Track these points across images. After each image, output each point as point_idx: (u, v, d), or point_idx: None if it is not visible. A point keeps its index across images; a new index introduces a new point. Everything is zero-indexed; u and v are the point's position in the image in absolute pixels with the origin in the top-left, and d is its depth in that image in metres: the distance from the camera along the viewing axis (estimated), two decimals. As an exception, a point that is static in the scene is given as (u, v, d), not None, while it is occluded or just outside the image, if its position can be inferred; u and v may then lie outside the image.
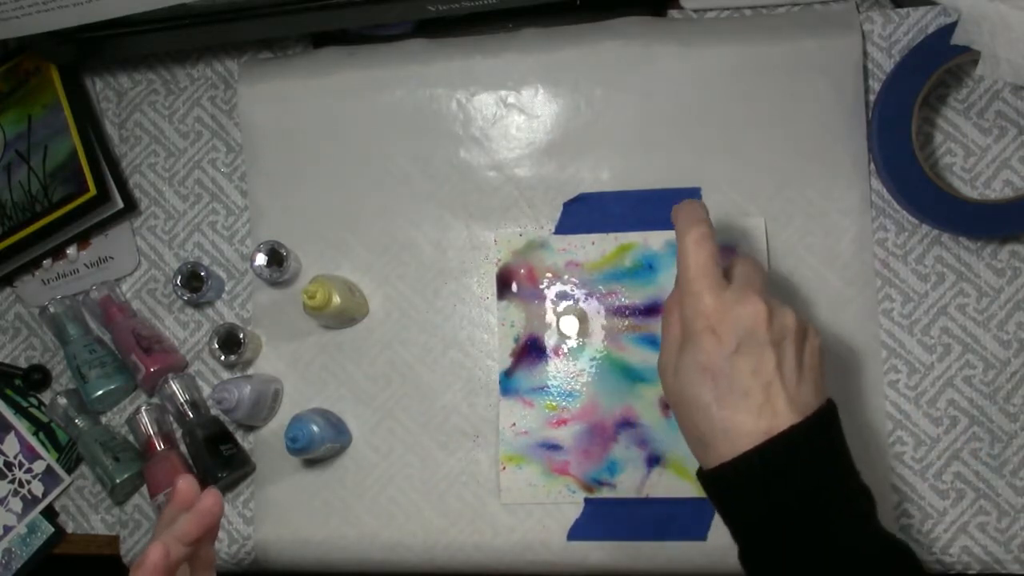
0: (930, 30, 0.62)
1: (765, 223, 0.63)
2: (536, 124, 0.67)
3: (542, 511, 0.64)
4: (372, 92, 0.68)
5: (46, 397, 0.72)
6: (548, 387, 0.64)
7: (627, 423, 0.63)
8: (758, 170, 0.64)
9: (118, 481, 0.66)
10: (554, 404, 0.64)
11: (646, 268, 0.64)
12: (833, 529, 0.44)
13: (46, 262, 0.72)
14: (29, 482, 0.71)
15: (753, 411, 0.45)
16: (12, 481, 0.71)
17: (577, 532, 0.63)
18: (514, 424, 0.64)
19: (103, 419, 0.70)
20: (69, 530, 0.71)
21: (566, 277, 0.65)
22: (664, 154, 0.65)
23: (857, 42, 0.63)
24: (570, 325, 0.65)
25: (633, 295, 0.64)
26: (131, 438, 0.69)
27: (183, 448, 0.68)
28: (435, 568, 0.65)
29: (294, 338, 0.68)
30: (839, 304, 0.62)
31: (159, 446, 0.66)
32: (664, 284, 0.64)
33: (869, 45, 0.64)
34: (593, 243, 0.65)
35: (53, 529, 0.70)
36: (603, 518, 0.63)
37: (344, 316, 0.65)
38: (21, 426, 0.72)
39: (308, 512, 0.66)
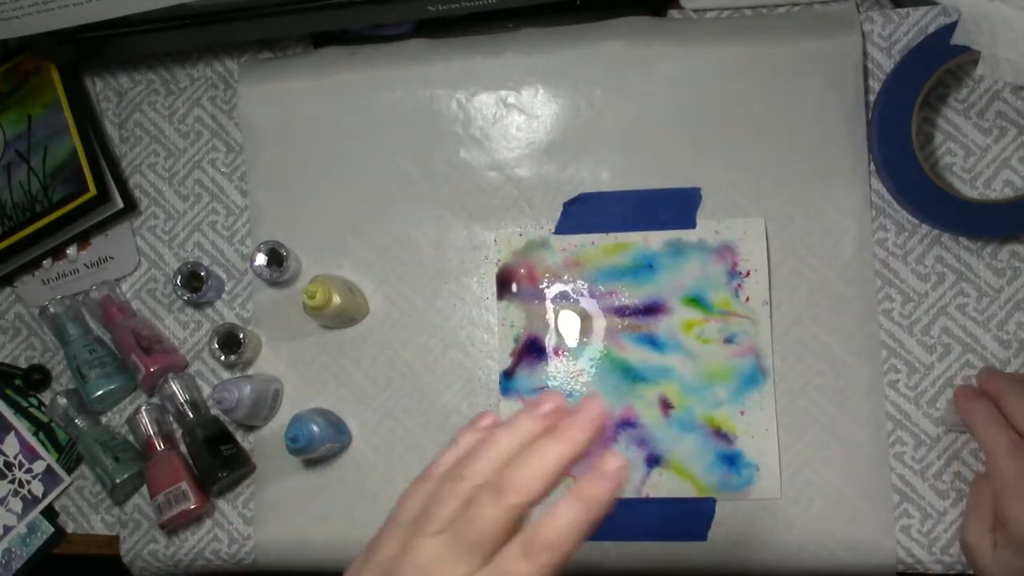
0: (930, 30, 0.62)
1: (765, 223, 0.63)
2: (536, 124, 0.67)
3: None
4: (372, 92, 0.68)
5: (46, 397, 0.72)
6: (548, 387, 0.64)
7: (627, 423, 0.63)
8: (758, 170, 0.64)
9: (118, 481, 0.66)
10: (554, 404, 0.64)
11: (646, 268, 0.64)
12: None
13: (46, 262, 0.72)
14: (29, 482, 0.71)
15: None
16: (12, 481, 0.71)
17: (577, 532, 0.63)
18: (514, 424, 0.64)
19: (103, 419, 0.70)
20: (69, 530, 0.71)
21: (566, 277, 0.65)
22: (664, 154, 0.65)
23: (857, 42, 0.63)
24: (570, 325, 0.65)
25: (633, 295, 0.64)
26: (131, 438, 0.69)
27: (183, 448, 0.68)
28: (435, 568, 0.65)
29: (294, 338, 0.68)
30: (839, 304, 0.62)
31: (159, 446, 0.66)
32: (663, 283, 0.64)
33: (869, 45, 0.64)
34: (593, 243, 0.65)
35: (53, 529, 0.70)
36: (603, 518, 0.63)
37: (344, 316, 0.65)
38: (21, 426, 0.72)
39: (308, 512, 0.66)
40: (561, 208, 0.66)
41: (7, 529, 0.71)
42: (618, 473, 0.34)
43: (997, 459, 0.50)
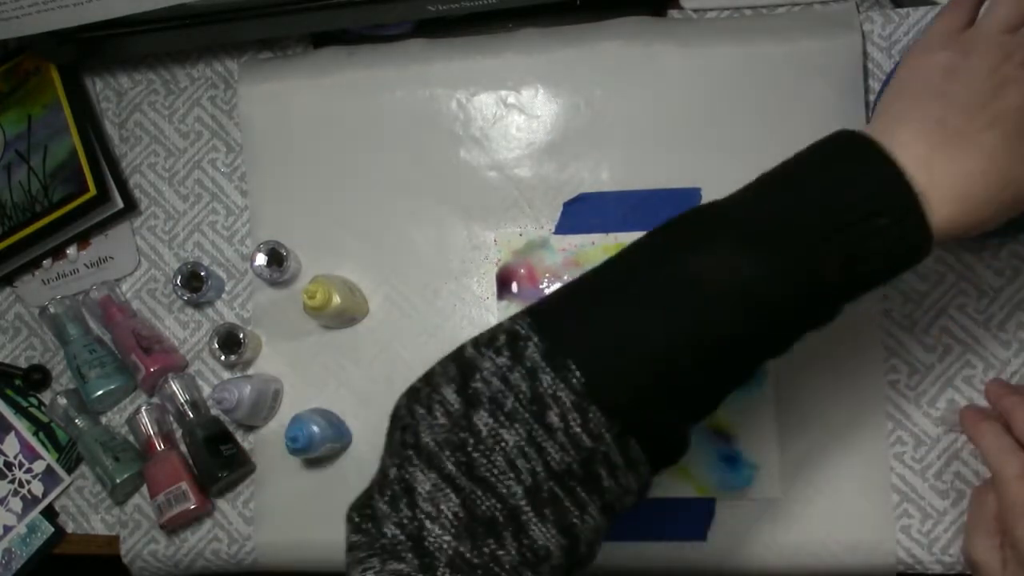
0: (930, 30, 0.62)
1: (765, 223, 0.63)
2: (536, 124, 0.67)
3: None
4: (372, 92, 0.68)
5: (46, 397, 0.72)
6: (548, 387, 0.64)
7: (627, 423, 0.63)
8: (758, 170, 0.63)
9: (118, 481, 0.66)
10: (554, 404, 0.64)
11: (646, 268, 0.64)
12: None
13: (46, 262, 0.72)
14: (29, 482, 0.71)
15: None
16: (12, 481, 0.71)
17: (577, 532, 0.63)
18: (514, 424, 0.64)
19: (103, 419, 0.70)
20: (69, 530, 0.71)
21: (566, 277, 0.65)
22: (664, 154, 0.65)
23: (857, 42, 0.63)
24: (570, 325, 0.65)
25: (633, 295, 0.64)
26: (131, 438, 0.69)
27: (183, 448, 0.68)
28: (435, 568, 0.65)
29: (294, 338, 0.68)
30: (839, 304, 0.62)
31: (159, 446, 0.66)
32: (664, 284, 0.64)
33: (869, 45, 0.64)
34: (593, 243, 0.65)
35: (53, 529, 0.70)
36: (603, 518, 0.63)
37: (344, 316, 0.65)
38: (21, 426, 0.72)
39: (308, 512, 0.66)
40: (561, 208, 0.66)
41: (7, 529, 0.71)
42: None
43: (1007, 484, 0.49)
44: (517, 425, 0.37)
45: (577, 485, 0.38)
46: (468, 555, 0.36)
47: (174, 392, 0.67)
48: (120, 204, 0.70)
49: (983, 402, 0.61)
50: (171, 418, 0.69)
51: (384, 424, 0.66)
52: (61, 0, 0.60)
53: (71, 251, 0.72)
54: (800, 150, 0.44)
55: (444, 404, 0.39)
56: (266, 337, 0.69)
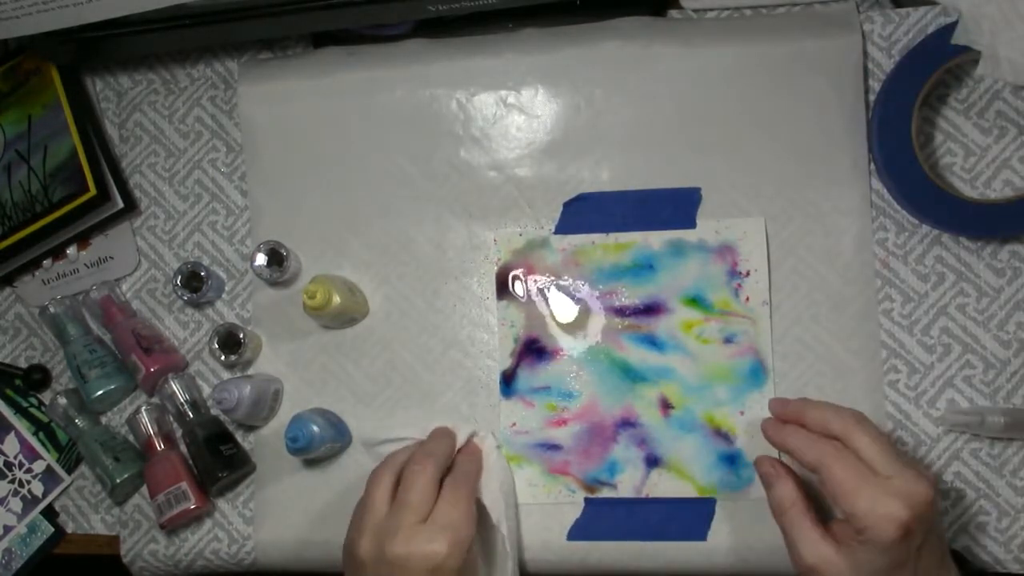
0: (930, 30, 0.62)
1: (765, 223, 0.63)
2: (536, 124, 0.67)
3: (542, 511, 0.64)
4: (372, 92, 0.68)
5: (46, 397, 0.72)
6: (548, 387, 0.64)
7: (627, 423, 0.63)
8: (758, 170, 0.64)
9: (118, 481, 0.66)
10: (554, 404, 0.64)
11: (646, 267, 0.64)
12: None
13: (46, 262, 0.72)
14: (29, 482, 0.71)
15: None
16: (12, 481, 0.71)
17: (577, 532, 0.63)
18: (514, 424, 0.64)
19: (103, 419, 0.70)
20: (69, 530, 0.71)
21: (566, 277, 0.65)
22: (664, 154, 0.65)
23: (857, 42, 0.63)
24: (570, 325, 0.65)
25: (633, 294, 0.64)
26: (131, 438, 0.69)
27: (183, 448, 0.68)
28: (435, 568, 0.65)
29: (294, 338, 0.68)
30: (839, 304, 0.62)
31: (159, 446, 0.66)
32: (663, 283, 0.64)
33: (869, 45, 0.64)
34: (593, 243, 0.65)
35: (53, 529, 0.70)
36: (603, 518, 0.63)
37: (344, 316, 0.65)
38: (21, 426, 0.72)
39: (308, 512, 0.66)
40: (561, 208, 0.66)
41: (7, 529, 0.71)
42: None
43: (830, 466, 0.51)
44: None
45: None
46: None
47: (174, 392, 0.67)
48: (120, 204, 0.70)
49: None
50: (171, 418, 0.69)
51: (384, 424, 0.66)
52: (61, 0, 0.60)
53: (71, 251, 0.72)
54: None
55: None
56: (266, 337, 0.69)
